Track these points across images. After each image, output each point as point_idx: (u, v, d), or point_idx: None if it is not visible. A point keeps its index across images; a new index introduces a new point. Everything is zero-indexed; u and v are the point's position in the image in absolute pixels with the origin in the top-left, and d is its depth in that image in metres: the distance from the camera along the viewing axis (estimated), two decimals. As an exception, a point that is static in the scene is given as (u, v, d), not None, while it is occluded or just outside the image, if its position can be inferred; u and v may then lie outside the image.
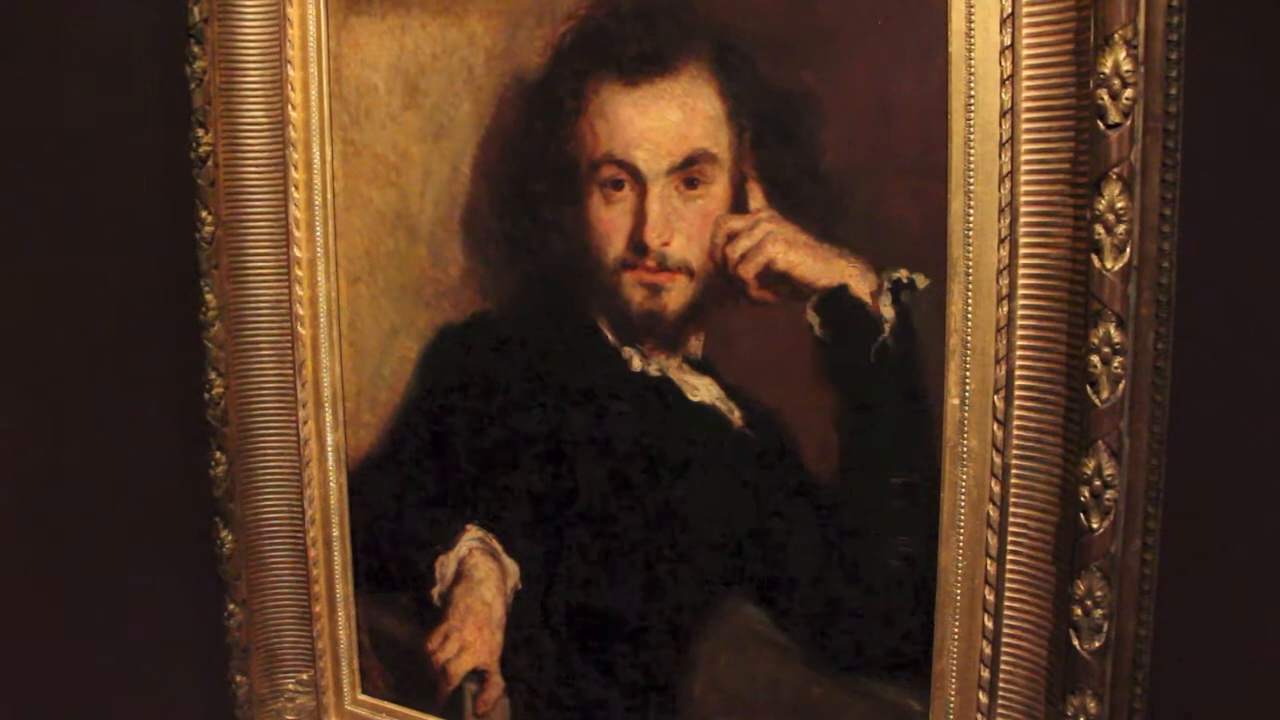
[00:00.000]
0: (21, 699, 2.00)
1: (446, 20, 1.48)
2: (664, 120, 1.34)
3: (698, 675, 1.44)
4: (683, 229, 1.35)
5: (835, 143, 1.24)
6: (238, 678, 1.76)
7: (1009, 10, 1.12)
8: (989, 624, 1.24)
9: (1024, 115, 1.13)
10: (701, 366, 1.38)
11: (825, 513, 1.32)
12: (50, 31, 1.84)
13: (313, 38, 1.58)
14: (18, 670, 1.99)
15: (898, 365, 1.25)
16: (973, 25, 1.14)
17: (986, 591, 1.23)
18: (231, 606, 1.74)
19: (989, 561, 1.22)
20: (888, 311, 1.24)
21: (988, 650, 1.24)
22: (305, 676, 1.77)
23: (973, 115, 1.16)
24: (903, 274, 1.23)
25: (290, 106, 1.60)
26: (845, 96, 1.23)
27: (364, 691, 1.74)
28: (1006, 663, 1.23)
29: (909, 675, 1.29)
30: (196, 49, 1.57)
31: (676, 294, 1.38)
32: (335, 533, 1.71)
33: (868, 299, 1.25)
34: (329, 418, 1.69)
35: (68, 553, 1.96)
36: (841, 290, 1.26)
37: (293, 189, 1.63)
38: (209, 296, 1.65)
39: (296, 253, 1.65)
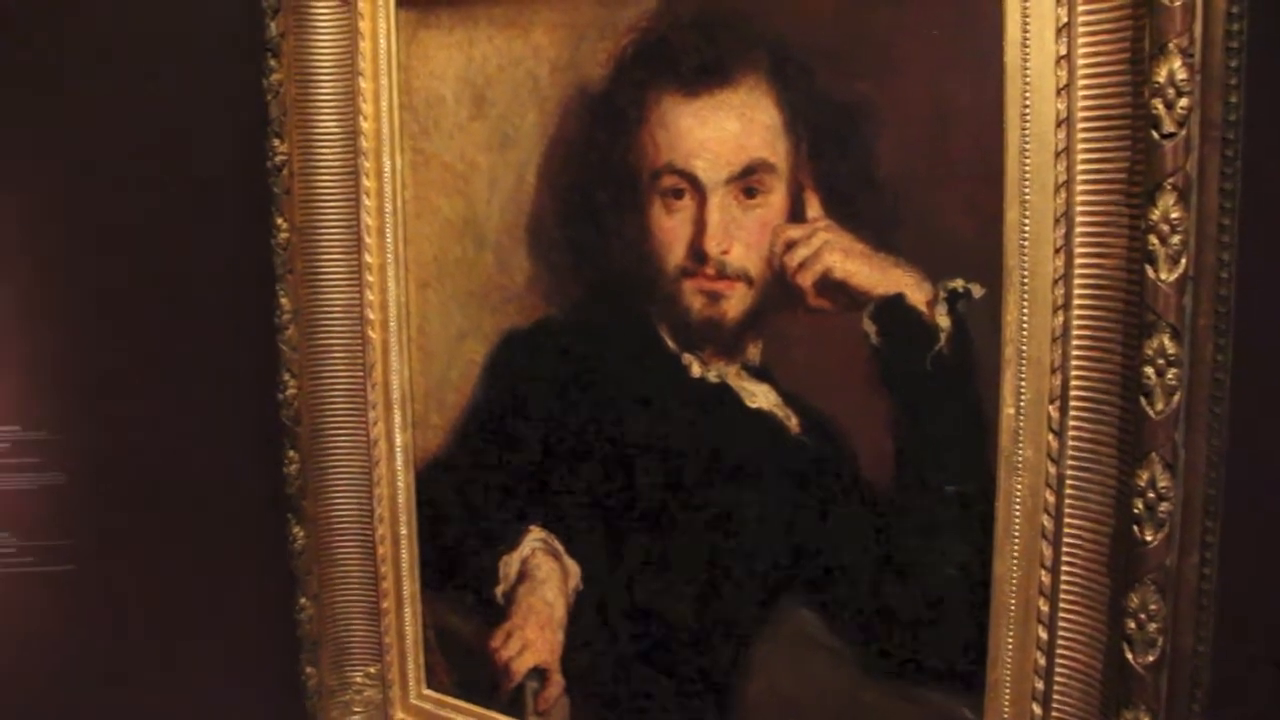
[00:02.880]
0: (101, 687, 2.06)
1: (512, 33, 1.51)
2: (723, 130, 1.36)
3: (753, 678, 1.45)
4: (741, 237, 1.37)
5: (891, 152, 1.25)
6: (308, 669, 1.81)
7: (1065, 19, 1.12)
8: (1043, 635, 1.23)
9: (1079, 124, 1.13)
10: (759, 373, 1.39)
11: (880, 519, 1.32)
12: (132, 48, 1.90)
13: (383, 51, 1.62)
14: (98, 659, 2.05)
15: (953, 374, 1.25)
16: (1028, 35, 1.14)
17: (1041, 602, 1.22)
18: (303, 600, 1.79)
19: (1043, 572, 1.22)
20: (943, 320, 1.24)
21: (1042, 661, 1.23)
22: (373, 670, 1.81)
23: (1028, 125, 1.15)
24: (958, 283, 1.23)
25: (362, 117, 1.65)
26: (901, 106, 1.23)
27: (429, 686, 1.77)
28: (1061, 674, 1.22)
29: (963, 684, 1.28)
30: (273, 62, 1.63)
31: (735, 302, 1.39)
32: (403, 531, 1.75)
33: (923, 308, 1.25)
34: (398, 419, 1.72)
35: (146, 547, 2.02)
36: (897, 299, 1.26)
37: (364, 197, 1.67)
38: (284, 300, 1.70)
39: (368, 258, 1.69)
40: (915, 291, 1.25)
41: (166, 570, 2.03)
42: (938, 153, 1.22)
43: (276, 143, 1.65)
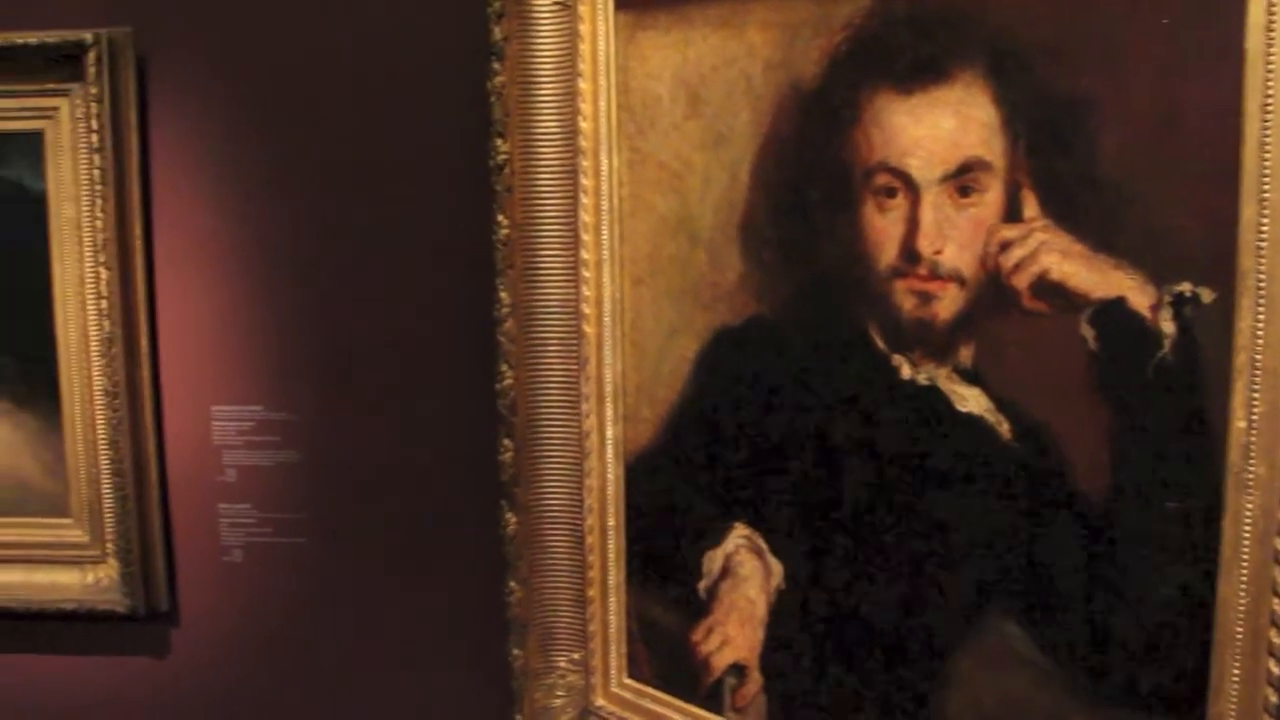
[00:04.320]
0: (321, 656, 2.21)
1: (727, 33, 1.52)
2: (938, 128, 1.33)
3: (953, 690, 1.41)
4: (955, 237, 1.33)
5: (1114, 149, 1.18)
6: (515, 651, 1.87)
7: (1319, -1, 1.03)
8: (1275, 669, 1.14)
9: (1328, 116, 1.04)
10: (971, 377, 1.35)
11: (1094, 533, 1.26)
12: (366, 55, 2.03)
13: (602, 52, 1.66)
14: (321, 629, 2.19)
15: (1178, 383, 1.17)
16: (1274, 18, 1.06)
17: (1272, 634, 1.13)
18: (513, 584, 1.85)
19: (1276, 600, 1.13)
20: (1168, 326, 1.17)
21: (1273, 699, 1.14)
22: (577, 656, 1.85)
23: (1269, 116, 1.07)
24: (1186, 287, 1.15)
25: (581, 117, 1.69)
26: (1126, 101, 1.17)
27: (630, 675, 1.81)
28: (1294, 714, 1.13)
29: (1180, 716, 1.20)
30: (497, 65, 1.70)
31: (947, 303, 1.36)
32: (611, 522, 1.79)
33: (1147, 313, 1.18)
34: (610, 412, 1.76)
35: (369, 524, 2.15)
36: (1119, 303, 1.20)
37: (582, 195, 1.71)
38: (503, 295, 1.77)
39: (584, 255, 1.73)
40: (1138, 295, 1.19)
41: (386, 548, 2.15)
42: (1166, 148, 1.15)
43: (499, 142, 1.72)
